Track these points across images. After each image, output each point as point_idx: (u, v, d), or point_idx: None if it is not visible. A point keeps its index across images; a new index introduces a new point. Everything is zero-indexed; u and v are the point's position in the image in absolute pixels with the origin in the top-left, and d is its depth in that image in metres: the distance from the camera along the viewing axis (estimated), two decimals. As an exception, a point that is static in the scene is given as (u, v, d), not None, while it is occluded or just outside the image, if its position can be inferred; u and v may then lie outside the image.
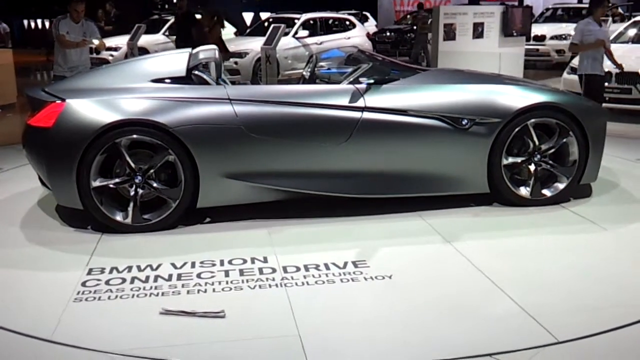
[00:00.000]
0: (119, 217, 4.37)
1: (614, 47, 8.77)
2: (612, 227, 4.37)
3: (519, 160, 4.76)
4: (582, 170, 4.83)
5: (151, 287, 3.53)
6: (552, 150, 4.78)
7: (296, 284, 3.56)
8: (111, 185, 4.36)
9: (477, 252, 3.97)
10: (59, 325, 3.11)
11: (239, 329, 3.07)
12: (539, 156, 4.78)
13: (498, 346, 2.85)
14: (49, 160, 4.32)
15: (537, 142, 4.74)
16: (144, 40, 14.76)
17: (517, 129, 4.67)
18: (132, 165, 4.34)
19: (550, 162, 4.81)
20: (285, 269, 3.75)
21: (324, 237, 4.30)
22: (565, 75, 8.91)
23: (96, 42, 6.96)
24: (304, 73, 5.87)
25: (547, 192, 4.81)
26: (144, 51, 13.72)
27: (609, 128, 4.94)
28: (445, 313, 3.19)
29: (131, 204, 4.37)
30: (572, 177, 4.82)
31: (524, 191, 4.78)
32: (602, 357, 2.81)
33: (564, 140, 4.76)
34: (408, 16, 20.87)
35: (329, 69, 5.74)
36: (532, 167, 4.79)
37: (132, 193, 4.37)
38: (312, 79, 5.52)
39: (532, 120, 4.68)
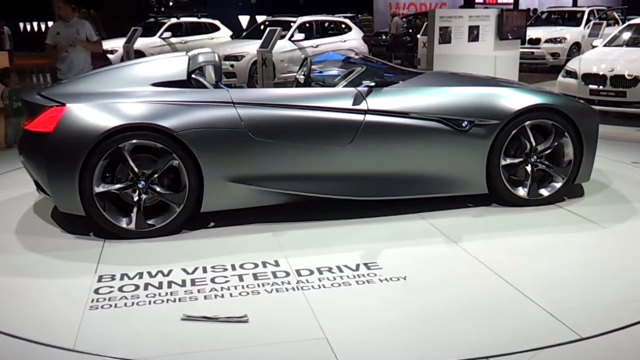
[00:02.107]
0: (122, 223, 4.31)
1: (607, 50, 8.94)
2: (610, 225, 4.48)
3: (516, 161, 4.85)
4: (576, 170, 4.94)
5: (167, 293, 3.49)
6: (549, 151, 4.88)
7: (312, 287, 3.56)
8: (114, 191, 4.30)
9: (485, 251, 4.02)
10: (79, 334, 3.06)
11: (264, 334, 3.05)
12: (535, 157, 4.87)
13: (524, 344, 2.90)
14: (50, 166, 4.23)
15: (534, 143, 4.83)
16: (140, 43, 14.65)
17: (514, 131, 4.75)
18: (136, 170, 4.28)
19: (546, 162, 4.91)
20: (298, 272, 3.74)
21: (329, 240, 4.31)
22: (560, 78, 9.01)
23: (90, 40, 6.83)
24: (298, 76, 5.87)
25: (544, 192, 4.90)
26: (140, 54, 13.60)
27: (604, 131, 5.06)
28: (468, 313, 3.23)
29: (135, 210, 4.31)
30: (568, 177, 4.93)
31: (521, 192, 4.87)
32: (628, 352, 2.87)
33: (560, 141, 4.87)
34: (404, 19, 20.90)
35: (321, 72, 5.75)
36: (528, 168, 4.88)
37: (135, 198, 4.31)
38: (307, 82, 5.52)
39: (529, 121, 4.77)
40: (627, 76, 7.97)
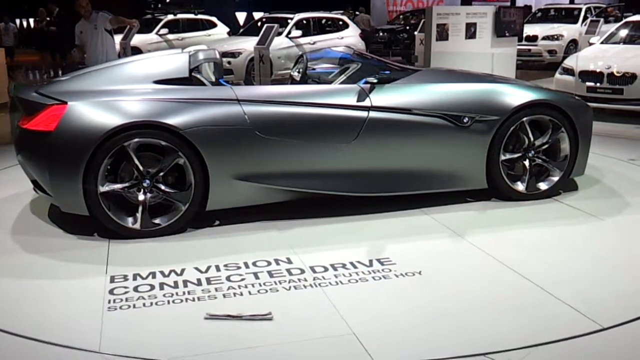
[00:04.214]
0: (127, 223, 4.24)
1: (604, 48, 8.94)
2: (609, 218, 4.58)
3: (515, 156, 4.92)
4: (572, 165, 5.04)
5: (184, 293, 3.46)
6: (546, 146, 4.97)
7: (330, 283, 3.56)
8: (118, 190, 4.23)
9: (493, 245, 4.08)
10: (102, 335, 3.00)
11: (291, 331, 3.05)
12: (533, 152, 4.95)
13: (549, 336, 2.95)
14: (52, 165, 4.14)
15: (532, 138, 4.91)
16: (137, 39, 14.59)
17: (514, 126, 4.82)
18: (141, 168, 4.23)
19: (543, 157, 5.00)
20: (313, 269, 3.74)
21: (336, 236, 4.31)
22: (557, 75, 9.07)
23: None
24: (293, 73, 5.86)
25: (543, 186, 4.99)
26: (137, 51, 13.52)
27: (602, 128, 5.16)
28: (490, 306, 3.28)
29: (140, 209, 4.25)
30: (564, 171, 5.03)
31: (520, 186, 4.94)
32: (651, 341, 2.96)
33: (556, 136, 4.96)
34: (401, 16, 20.83)
35: (314, 69, 5.74)
36: (526, 163, 4.96)
37: (140, 197, 4.26)
38: (303, 80, 5.50)
39: (528, 117, 4.85)
40: (615, 73, 8.11)
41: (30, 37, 21.19)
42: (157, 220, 4.29)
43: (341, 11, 17.43)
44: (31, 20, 26.04)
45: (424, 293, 3.44)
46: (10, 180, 5.57)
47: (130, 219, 4.27)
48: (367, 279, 3.62)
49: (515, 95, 4.86)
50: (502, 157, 4.85)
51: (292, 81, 5.77)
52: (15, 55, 15.83)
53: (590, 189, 5.27)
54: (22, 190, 5.17)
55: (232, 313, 3.17)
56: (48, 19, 14.27)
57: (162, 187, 4.29)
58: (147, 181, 4.26)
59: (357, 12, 18.97)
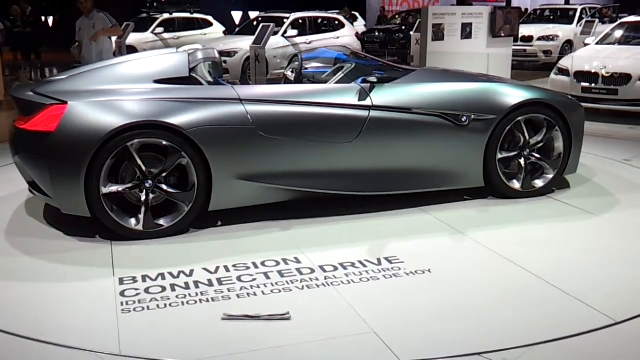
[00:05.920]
0: (130, 224, 4.19)
1: (600, 48, 9.01)
2: (604, 215, 4.68)
3: (511, 154, 4.99)
4: (566, 162, 5.13)
5: (197, 294, 3.43)
6: (541, 145, 5.05)
7: (342, 282, 3.57)
8: (120, 191, 4.18)
9: (497, 243, 4.13)
10: (121, 338, 2.97)
11: (311, 330, 3.05)
12: (528, 150, 5.03)
13: (563, 331, 3.01)
14: (53, 166, 4.07)
15: (527, 137, 4.99)
16: (133, 38, 14.49)
17: (510, 125, 4.89)
18: (143, 169, 4.18)
19: (538, 155, 5.08)
20: (323, 268, 3.75)
21: (340, 235, 4.32)
22: (552, 76, 9.13)
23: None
24: (287, 73, 5.85)
25: (538, 184, 5.07)
26: (132, 50, 13.39)
27: (597, 129, 5.25)
28: (503, 303, 3.32)
29: (143, 210, 4.21)
30: (558, 169, 5.12)
31: (516, 184, 5.02)
32: (665, 334, 3.03)
33: (551, 134, 5.04)
34: (397, 16, 20.81)
35: (306, 68, 5.75)
36: (522, 161, 5.03)
37: (143, 198, 4.21)
38: (298, 79, 5.50)
39: (524, 116, 4.92)
40: (605, 74, 8.24)
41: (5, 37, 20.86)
42: (160, 221, 4.25)
43: (337, 11, 17.39)
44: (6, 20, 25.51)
45: (438, 291, 3.47)
46: (3, 181, 5.44)
47: (132, 220, 4.22)
48: (378, 277, 3.63)
49: (512, 95, 4.93)
50: (499, 156, 4.91)
51: (286, 80, 5.77)
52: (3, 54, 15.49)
53: (582, 187, 5.37)
54: (15, 191, 5.07)
55: (249, 313, 3.16)
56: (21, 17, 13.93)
57: (165, 188, 4.25)
58: (150, 182, 4.21)
59: (352, 12, 18.99)
